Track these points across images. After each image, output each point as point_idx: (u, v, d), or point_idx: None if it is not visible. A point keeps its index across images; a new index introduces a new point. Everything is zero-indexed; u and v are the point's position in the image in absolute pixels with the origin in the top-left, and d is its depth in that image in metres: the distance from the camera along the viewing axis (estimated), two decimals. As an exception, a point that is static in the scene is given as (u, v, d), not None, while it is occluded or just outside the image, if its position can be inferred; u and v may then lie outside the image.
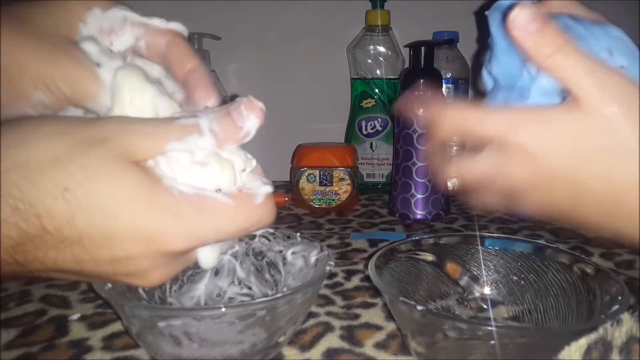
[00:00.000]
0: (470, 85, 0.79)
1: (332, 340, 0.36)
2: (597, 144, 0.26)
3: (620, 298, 0.30)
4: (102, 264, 0.25)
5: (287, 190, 0.80)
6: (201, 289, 0.40)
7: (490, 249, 0.40)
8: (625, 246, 0.54)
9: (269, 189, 0.28)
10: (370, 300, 0.42)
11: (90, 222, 0.23)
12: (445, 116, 0.29)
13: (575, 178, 0.27)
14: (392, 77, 0.79)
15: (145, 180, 0.24)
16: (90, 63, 0.27)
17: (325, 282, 0.45)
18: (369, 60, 0.79)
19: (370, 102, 0.79)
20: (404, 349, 0.34)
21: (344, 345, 0.35)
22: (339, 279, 0.47)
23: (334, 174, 0.69)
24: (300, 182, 0.70)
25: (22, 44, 0.26)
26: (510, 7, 0.26)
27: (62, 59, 0.27)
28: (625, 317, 0.27)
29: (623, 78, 0.26)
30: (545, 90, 0.27)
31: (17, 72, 0.26)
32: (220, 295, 0.41)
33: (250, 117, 0.27)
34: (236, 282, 0.41)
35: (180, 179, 0.26)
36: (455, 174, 0.31)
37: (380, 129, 0.79)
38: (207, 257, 0.28)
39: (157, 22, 0.31)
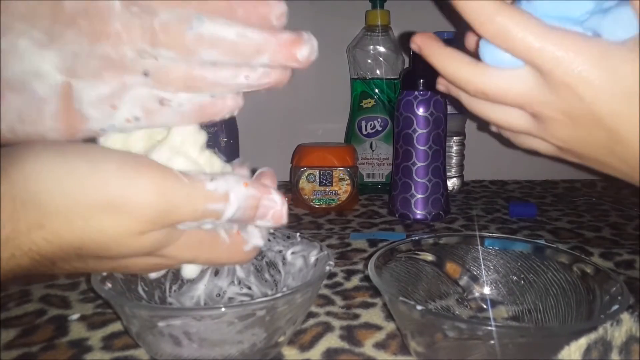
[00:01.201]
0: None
1: (332, 340, 0.36)
2: None
3: (620, 298, 0.30)
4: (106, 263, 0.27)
5: (287, 190, 0.80)
6: (201, 289, 0.40)
7: (490, 249, 0.40)
8: (625, 246, 0.54)
9: (260, 243, 0.30)
10: (370, 300, 0.42)
11: (98, 259, 0.26)
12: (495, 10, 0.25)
13: (618, 127, 0.25)
14: (392, 77, 0.79)
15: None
16: None
17: (325, 282, 0.45)
18: (369, 60, 0.79)
19: (370, 102, 0.79)
20: (404, 349, 0.34)
21: (344, 345, 0.35)
22: (338, 279, 0.47)
23: (333, 174, 0.69)
24: (300, 182, 0.70)
25: None
26: None
27: None
28: (625, 317, 0.27)
29: None
30: (615, 25, 0.24)
31: None
32: (220, 295, 0.41)
33: (269, 222, 0.28)
34: (236, 282, 0.41)
35: None
36: (486, 83, 0.26)
37: (380, 129, 0.79)
38: (191, 269, 0.31)
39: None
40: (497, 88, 0.26)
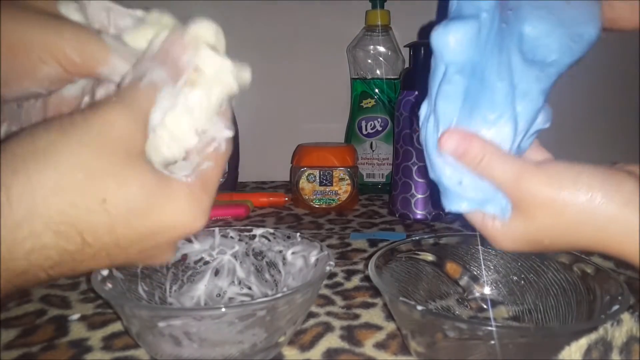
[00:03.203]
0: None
1: (332, 340, 0.36)
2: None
3: (620, 298, 0.30)
4: (132, 255, 0.26)
5: (287, 190, 0.80)
6: (201, 289, 0.40)
7: (490, 248, 0.40)
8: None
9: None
10: (370, 300, 0.42)
11: (128, 225, 0.25)
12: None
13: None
14: (392, 77, 0.79)
15: (162, 179, 0.26)
16: (92, 30, 0.27)
17: (325, 282, 0.45)
18: (369, 60, 0.79)
19: (370, 102, 0.79)
20: (404, 349, 0.34)
21: (344, 345, 0.35)
22: (339, 279, 0.47)
23: (334, 174, 0.69)
24: (300, 182, 0.70)
25: (24, 19, 0.26)
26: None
27: (66, 28, 0.26)
28: (625, 317, 0.27)
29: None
30: None
31: (22, 48, 0.25)
32: (220, 295, 0.41)
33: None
34: (236, 282, 0.41)
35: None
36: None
37: (380, 129, 0.79)
38: None
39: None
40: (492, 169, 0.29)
